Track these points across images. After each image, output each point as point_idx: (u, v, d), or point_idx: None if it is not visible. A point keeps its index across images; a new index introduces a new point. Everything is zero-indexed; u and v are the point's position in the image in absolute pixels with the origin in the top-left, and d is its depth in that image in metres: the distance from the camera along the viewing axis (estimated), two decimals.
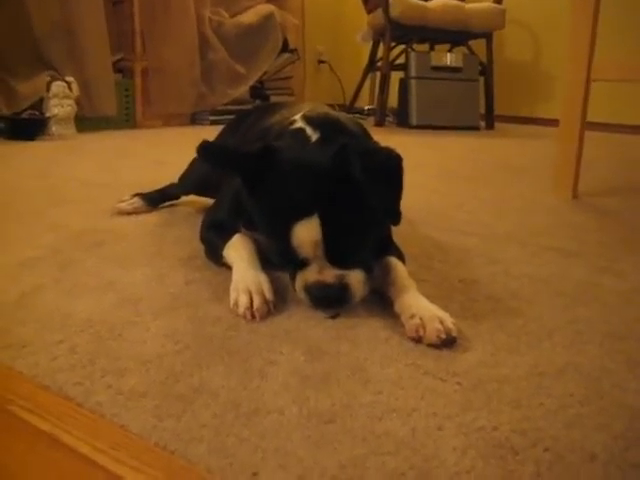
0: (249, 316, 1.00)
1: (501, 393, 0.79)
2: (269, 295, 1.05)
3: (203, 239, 1.32)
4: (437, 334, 0.90)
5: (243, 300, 1.02)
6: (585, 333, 0.99)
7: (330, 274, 1.00)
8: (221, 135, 1.70)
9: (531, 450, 0.67)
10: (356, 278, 1.01)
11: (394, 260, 1.14)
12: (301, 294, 1.03)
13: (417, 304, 0.98)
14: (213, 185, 1.46)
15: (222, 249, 1.21)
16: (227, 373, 0.82)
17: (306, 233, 0.97)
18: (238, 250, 1.17)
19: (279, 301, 1.07)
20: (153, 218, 1.66)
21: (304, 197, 0.97)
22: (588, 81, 2.00)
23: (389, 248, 1.18)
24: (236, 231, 1.22)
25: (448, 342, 0.91)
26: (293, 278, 1.04)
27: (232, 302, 1.04)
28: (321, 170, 0.99)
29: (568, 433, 0.70)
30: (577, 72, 2.02)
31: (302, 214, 0.96)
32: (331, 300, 1.02)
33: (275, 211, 1.01)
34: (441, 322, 0.92)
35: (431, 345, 0.91)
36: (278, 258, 1.06)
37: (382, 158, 1.01)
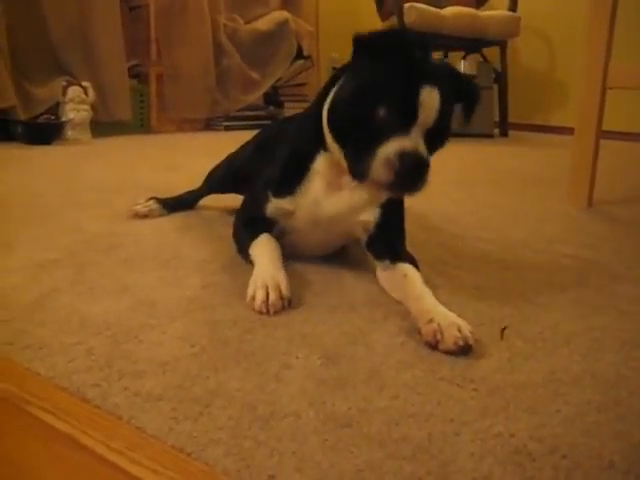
0: (264, 310, 1.03)
1: (518, 399, 0.79)
2: (285, 292, 1.07)
3: (235, 237, 1.35)
4: (455, 341, 0.90)
5: (260, 294, 1.05)
6: (602, 341, 0.99)
7: (423, 147, 1.04)
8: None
9: (549, 457, 0.66)
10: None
11: (409, 267, 1.14)
12: (391, 162, 1.01)
13: (435, 310, 0.98)
14: (243, 180, 1.48)
15: (249, 247, 1.23)
16: (243, 376, 0.82)
17: (432, 97, 1.03)
18: (261, 248, 1.21)
19: (297, 303, 1.08)
20: (169, 222, 1.66)
21: (430, 74, 1.04)
22: (604, 89, 2.00)
23: (402, 254, 1.19)
24: (264, 229, 1.25)
25: (465, 350, 0.90)
26: (375, 149, 1.02)
27: (249, 296, 1.06)
28: (444, 68, 1.13)
29: (586, 440, 0.70)
30: (592, 80, 2.01)
31: (429, 83, 1.02)
32: (418, 174, 1.03)
33: (402, 75, 1.03)
34: (459, 329, 0.92)
35: (448, 352, 0.90)
36: (379, 122, 1.03)
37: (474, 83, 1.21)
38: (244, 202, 1.41)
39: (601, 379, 0.86)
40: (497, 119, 4.90)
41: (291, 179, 1.22)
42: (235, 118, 4.48)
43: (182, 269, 1.26)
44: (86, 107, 3.52)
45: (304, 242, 1.29)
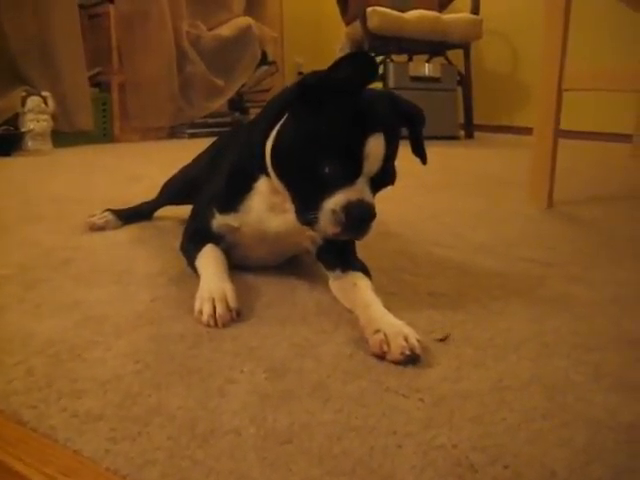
0: (212, 323, 1.01)
1: (463, 409, 0.78)
2: (233, 303, 1.06)
3: (182, 250, 1.33)
4: (401, 351, 0.89)
5: (206, 308, 1.03)
6: (553, 345, 0.99)
7: (369, 195, 1.04)
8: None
9: (490, 468, 0.66)
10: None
11: (359, 275, 1.14)
12: (338, 216, 1.01)
13: (382, 319, 0.97)
14: (198, 191, 1.46)
15: (195, 259, 1.22)
16: (186, 393, 0.81)
17: (377, 146, 1.02)
18: (207, 260, 1.20)
19: (247, 315, 1.07)
20: (124, 234, 1.64)
21: (374, 116, 1.04)
22: (560, 91, 2.01)
23: (353, 263, 1.18)
24: (209, 240, 1.24)
25: (412, 359, 0.89)
26: (321, 200, 1.02)
27: (196, 310, 1.05)
28: (384, 99, 1.11)
29: (529, 449, 0.69)
30: (549, 82, 2.02)
31: (373, 130, 1.02)
32: (365, 221, 1.04)
33: (347, 126, 1.02)
34: (406, 339, 0.91)
35: (395, 362, 0.89)
36: (323, 175, 1.03)
37: (417, 106, 1.18)
38: (191, 215, 1.39)
39: (549, 385, 0.85)
40: (462, 121, 4.92)
41: (235, 196, 1.22)
42: (200, 125, 4.46)
43: (133, 283, 1.24)
44: (46, 117, 3.48)
45: (252, 254, 1.28)
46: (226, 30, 4.60)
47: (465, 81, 4.86)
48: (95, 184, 2.48)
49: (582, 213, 2.08)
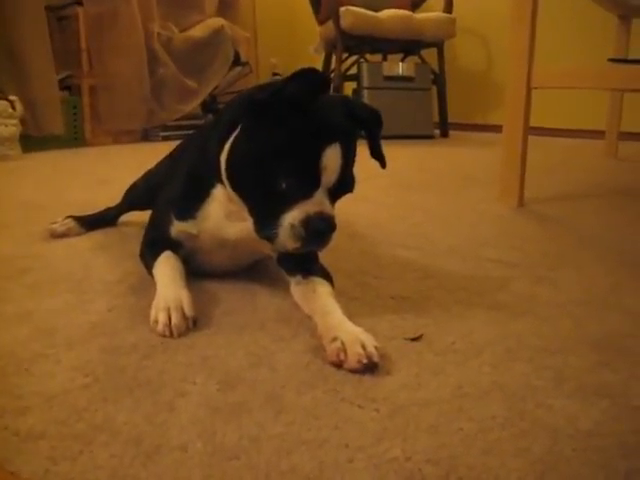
0: (167, 333, 0.99)
1: (419, 419, 0.76)
2: (189, 312, 1.03)
3: (141, 257, 1.30)
4: (358, 359, 0.87)
5: (161, 317, 1.01)
6: (515, 349, 0.97)
7: (328, 206, 1.03)
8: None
9: None
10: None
11: (319, 280, 1.11)
12: (297, 230, 1.00)
13: (340, 327, 0.95)
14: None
15: (153, 267, 1.19)
16: (134, 407, 0.78)
17: (334, 157, 1.01)
18: (163, 268, 1.17)
19: (205, 324, 1.04)
20: (85, 241, 1.60)
21: (328, 126, 1.02)
22: (529, 89, 2.00)
23: (314, 268, 1.15)
24: (167, 247, 1.22)
25: (370, 367, 0.87)
26: (280, 215, 1.01)
27: (152, 320, 1.02)
28: (338, 107, 1.08)
29: (485, 460, 0.67)
30: (518, 80, 2.02)
31: (329, 141, 1.00)
32: (325, 234, 1.02)
33: (301, 139, 1.00)
34: (363, 346, 0.89)
35: (352, 371, 0.87)
36: (281, 189, 1.01)
37: (374, 108, 1.18)
38: (149, 222, 1.36)
39: (509, 392, 0.83)
40: (437, 120, 4.91)
41: (192, 203, 1.19)
42: (173, 128, 4.41)
43: (90, 292, 1.21)
44: (14, 122, 3.41)
45: (212, 260, 1.26)
46: (198, 31, 4.55)
47: (439, 80, 4.86)
48: (62, 188, 2.44)
49: (552, 212, 2.07)
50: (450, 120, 4.97)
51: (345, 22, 4.41)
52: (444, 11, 4.82)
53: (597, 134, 4.02)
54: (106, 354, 0.93)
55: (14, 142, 3.43)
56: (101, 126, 4.13)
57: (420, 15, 4.68)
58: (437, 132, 4.91)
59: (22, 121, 3.51)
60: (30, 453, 0.68)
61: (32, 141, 3.65)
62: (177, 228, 1.21)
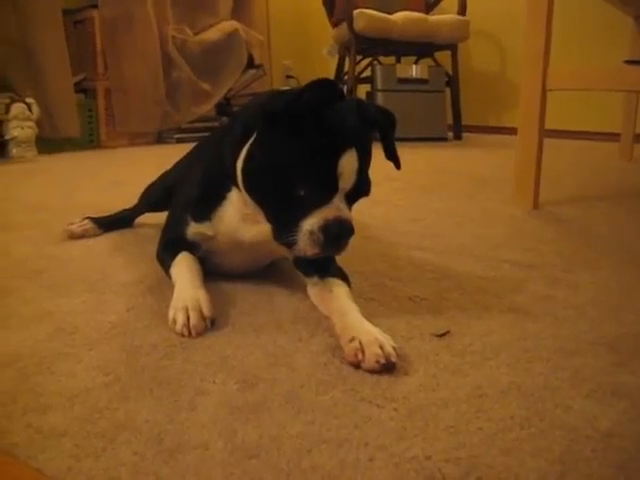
0: (186, 333, 1.00)
1: (438, 418, 0.76)
2: (207, 312, 1.04)
3: (158, 258, 1.31)
4: (376, 359, 0.88)
5: (180, 318, 1.02)
6: (532, 350, 0.97)
7: (346, 211, 1.03)
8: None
9: None
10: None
11: (336, 281, 1.12)
12: (316, 236, 1.00)
13: (357, 327, 0.95)
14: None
15: (170, 267, 1.21)
16: (155, 406, 0.79)
17: (350, 163, 1.01)
18: (180, 269, 1.18)
19: (222, 324, 1.05)
20: (101, 243, 1.61)
21: (343, 132, 1.02)
22: (544, 91, 2.00)
23: (331, 269, 1.16)
24: (184, 248, 1.23)
25: (387, 367, 0.88)
26: (298, 222, 1.01)
27: (170, 320, 1.03)
28: (351, 111, 1.06)
29: (504, 460, 0.68)
30: (533, 82, 2.01)
31: (344, 146, 1.01)
32: (344, 238, 1.03)
33: (317, 146, 1.01)
34: (381, 347, 0.89)
35: (370, 371, 0.88)
36: (298, 197, 1.01)
37: (387, 109, 1.18)
38: (166, 223, 1.37)
39: (527, 392, 0.83)
40: (451, 122, 4.90)
41: (208, 205, 1.21)
42: (187, 130, 4.42)
43: (108, 292, 1.22)
44: (31, 124, 3.44)
45: (229, 262, 1.26)
46: (212, 34, 4.57)
47: (453, 82, 4.85)
48: (77, 190, 2.45)
49: (567, 214, 2.07)
50: (464, 122, 4.95)
51: (359, 24, 4.41)
52: (458, 13, 4.81)
53: (612, 136, 4.00)
54: (126, 353, 0.94)
55: (30, 144, 3.46)
56: (116, 128, 4.15)
57: (434, 17, 4.67)
58: (451, 134, 4.90)
59: (38, 123, 3.54)
60: (53, 450, 0.69)
61: (48, 143, 3.68)
62: (194, 229, 1.22)
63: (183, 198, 1.29)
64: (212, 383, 0.85)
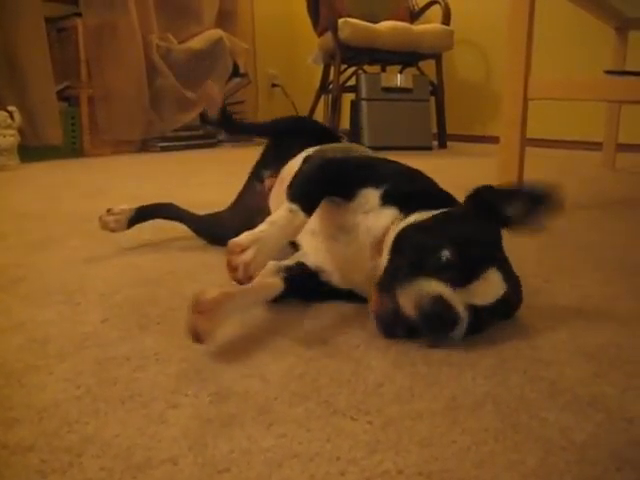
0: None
1: (413, 431, 0.75)
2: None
3: None
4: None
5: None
6: (510, 360, 0.96)
7: (459, 303, 0.96)
8: None
9: None
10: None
11: None
12: (422, 299, 0.94)
13: None
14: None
15: None
16: (125, 419, 0.77)
17: (492, 284, 1.01)
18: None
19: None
20: (81, 252, 1.60)
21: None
22: (525, 100, 2.01)
23: None
24: None
25: None
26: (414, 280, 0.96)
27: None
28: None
29: (477, 473, 0.67)
30: (515, 91, 2.02)
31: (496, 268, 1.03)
32: (444, 325, 0.96)
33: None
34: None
35: None
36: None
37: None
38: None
39: (502, 404, 0.83)
40: (435, 131, 4.92)
41: None
42: (171, 138, 4.42)
43: (84, 303, 1.21)
44: (12, 132, 3.42)
45: None
46: (197, 43, 4.57)
47: (437, 91, 4.87)
48: (60, 199, 2.44)
49: (549, 223, 2.06)
50: (449, 132, 4.97)
51: (343, 34, 4.42)
52: (442, 23, 4.84)
53: (595, 145, 4.03)
54: (99, 365, 0.93)
55: (12, 152, 3.44)
56: (100, 137, 4.14)
57: (418, 27, 4.69)
58: (435, 143, 4.91)
59: (21, 131, 3.52)
60: (19, 466, 0.68)
61: (31, 152, 3.66)
62: None
63: None
64: (184, 396, 0.83)
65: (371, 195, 1.15)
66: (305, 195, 1.09)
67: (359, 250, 1.14)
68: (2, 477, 0.66)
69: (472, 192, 1.13)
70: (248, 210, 1.50)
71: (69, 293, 1.26)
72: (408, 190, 1.19)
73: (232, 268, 0.95)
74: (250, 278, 0.96)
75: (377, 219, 1.13)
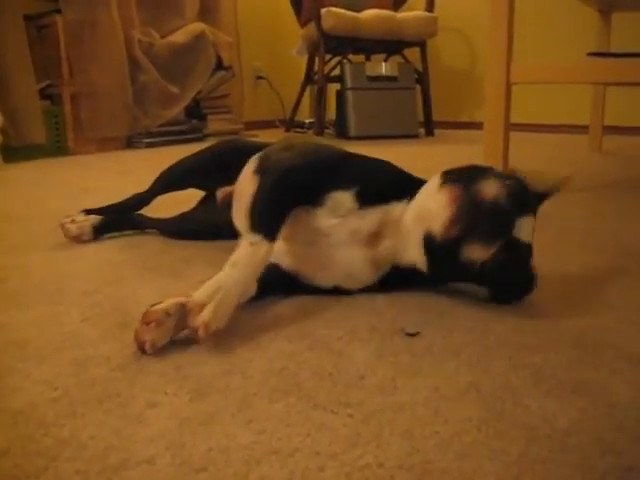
0: None
1: (394, 423, 0.74)
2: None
3: None
4: None
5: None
6: (494, 348, 0.95)
7: None
8: None
9: None
10: None
11: None
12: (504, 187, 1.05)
13: None
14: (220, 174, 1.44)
15: None
16: (102, 420, 0.76)
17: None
18: None
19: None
20: (64, 251, 1.58)
21: None
22: (508, 85, 2.00)
23: None
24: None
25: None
26: None
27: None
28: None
29: (460, 464, 0.66)
30: (497, 76, 2.02)
31: None
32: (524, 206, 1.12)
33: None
34: None
35: None
36: None
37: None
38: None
39: (486, 392, 0.82)
40: (422, 119, 4.90)
41: None
42: (157, 134, 4.38)
43: (65, 303, 1.19)
44: None
45: None
46: (179, 37, 4.53)
47: (423, 79, 4.85)
48: (45, 199, 2.41)
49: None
50: (436, 119, 4.96)
51: (327, 23, 4.40)
52: (425, 10, 4.82)
53: (581, 129, 4.02)
54: (77, 366, 0.91)
55: None
56: (84, 134, 4.09)
57: (402, 15, 4.67)
58: (422, 131, 4.90)
59: (3, 132, 3.48)
60: None
61: (15, 152, 3.62)
62: None
63: None
64: (164, 394, 0.82)
65: (342, 198, 1.13)
66: (265, 222, 1.06)
67: (341, 250, 1.13)
68: None
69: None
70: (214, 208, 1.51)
71: (50, 294, 1.25)
72: (385, 183, 1.17)
73: (193, 329, 0.94)
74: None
75: (361, 220, 1.13)
